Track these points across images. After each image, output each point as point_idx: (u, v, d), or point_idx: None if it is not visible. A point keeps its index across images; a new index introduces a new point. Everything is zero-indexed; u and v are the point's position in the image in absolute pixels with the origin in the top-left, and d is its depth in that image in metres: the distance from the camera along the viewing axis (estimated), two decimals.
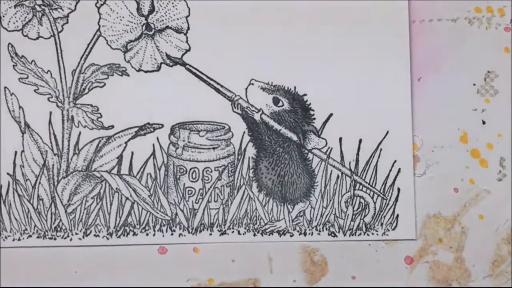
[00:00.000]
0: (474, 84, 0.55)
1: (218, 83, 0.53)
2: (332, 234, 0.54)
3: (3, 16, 0.53)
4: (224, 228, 0.54)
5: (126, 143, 0.54)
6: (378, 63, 0.54)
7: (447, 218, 0.54)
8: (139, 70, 0.53)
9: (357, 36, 0.52)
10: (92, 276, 0.54)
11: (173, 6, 0.53)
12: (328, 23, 0.53)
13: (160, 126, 0.54)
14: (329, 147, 0.54)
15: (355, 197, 0.54)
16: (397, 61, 0.54)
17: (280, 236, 0.54)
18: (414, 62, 0.55)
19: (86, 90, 0.53)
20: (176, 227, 0.54)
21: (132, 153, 0.54)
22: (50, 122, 0.54)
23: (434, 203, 0.54)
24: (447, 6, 0.55)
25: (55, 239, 0.54)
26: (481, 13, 0.55)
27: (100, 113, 0.54)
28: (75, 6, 0.53)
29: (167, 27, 0.53)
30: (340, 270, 0.55)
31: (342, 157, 0.54)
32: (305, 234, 0.54)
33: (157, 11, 0.53)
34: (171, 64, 0.53)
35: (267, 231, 0.54)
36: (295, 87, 0.54)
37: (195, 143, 0.54)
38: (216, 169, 0.54)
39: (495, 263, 0.54)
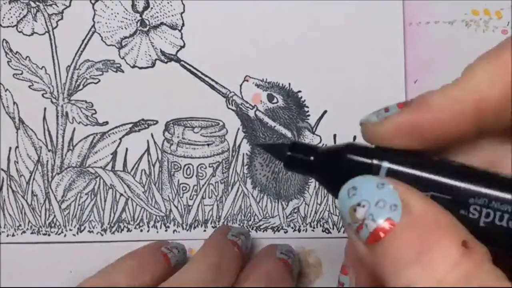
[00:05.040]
0: None
1: (212, 80, 0.53)
2: (326, 231, 0.54)
3: None
4: (219, 224, 0.54)
5: (120, 139, 0.54)
6: (372, 62, 0.54)
7: None
8: (133, 67, 0.54)
9: (352, 35, 0.52)
10: (87, 272, 0.54)
11: (168, 3, 0.53)
12: (324, 21, 0.53)
13: (155, 122, 0.54)
14: (323, 144, 0.54)
15: None
16: (390, 60, 0.54)
17: (274, 233, 0.54)
18: (411, 64, 0.54)
19: (81, 86, 0.54)
20: (170, 223, 0.54)
21: (127, 149, 0.54)
22: (44, 118, 0.54)
23: None
24: (444, 9, 0.55)
25: (49, 235, 0.54)
26: (478, 16, 0.55)
27: (94, 109, 0.54)
28: (70, 2, 0.54)
29: (162, 23, 0.53)
30: (335, 271, 0.54)
31: None
32: (299, 230, 0.54)
33: (152, 8, 0.53)
34: (165, 60, 0.54)
35: (261, 227, 0.54)
36: (289, 84, 0.54)
37: (189, 140, 0.54)
38: (211, 165, 0.54)
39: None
